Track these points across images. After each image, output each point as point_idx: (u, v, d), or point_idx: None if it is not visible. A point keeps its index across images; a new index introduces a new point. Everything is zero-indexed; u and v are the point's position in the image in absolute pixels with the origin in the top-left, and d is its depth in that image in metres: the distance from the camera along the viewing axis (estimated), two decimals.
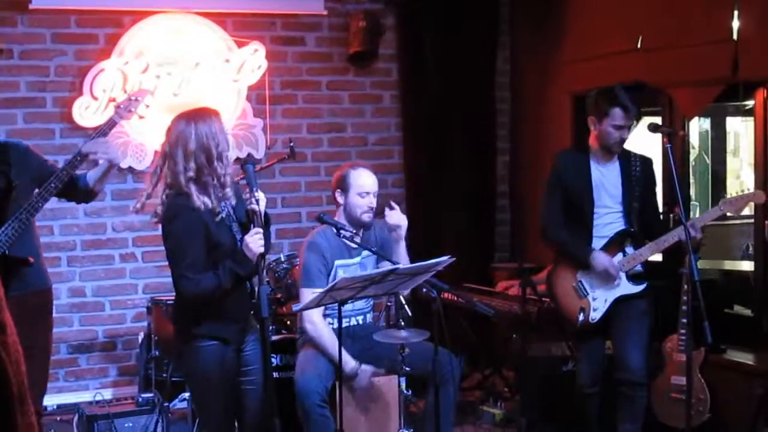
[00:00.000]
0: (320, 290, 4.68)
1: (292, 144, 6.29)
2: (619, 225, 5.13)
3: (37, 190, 4.51)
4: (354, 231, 4.90)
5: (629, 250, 5.09)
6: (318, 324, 4.85)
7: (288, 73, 7.34)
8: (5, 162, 4.54)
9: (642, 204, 5.14)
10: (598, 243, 5.13)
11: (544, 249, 6.74)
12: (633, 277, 5.12)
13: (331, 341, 4.78)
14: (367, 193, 4.99)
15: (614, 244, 5.12)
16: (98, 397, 5.91)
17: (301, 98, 7.41)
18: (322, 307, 4.75)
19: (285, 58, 7.33)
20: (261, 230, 3.96)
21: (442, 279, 4.66)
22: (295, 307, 4.04)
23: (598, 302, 5.12)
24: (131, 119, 4.78)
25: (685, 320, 5.15)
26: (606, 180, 5.12)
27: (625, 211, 5.11)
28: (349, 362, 4.75)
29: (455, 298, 5.83)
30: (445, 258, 4.28)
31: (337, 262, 4.98)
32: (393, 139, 7.69)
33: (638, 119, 5.12)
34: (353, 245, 4.96)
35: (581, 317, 5.08)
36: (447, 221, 7.67)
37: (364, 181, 5.00)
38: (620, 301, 5.13)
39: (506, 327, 6.46)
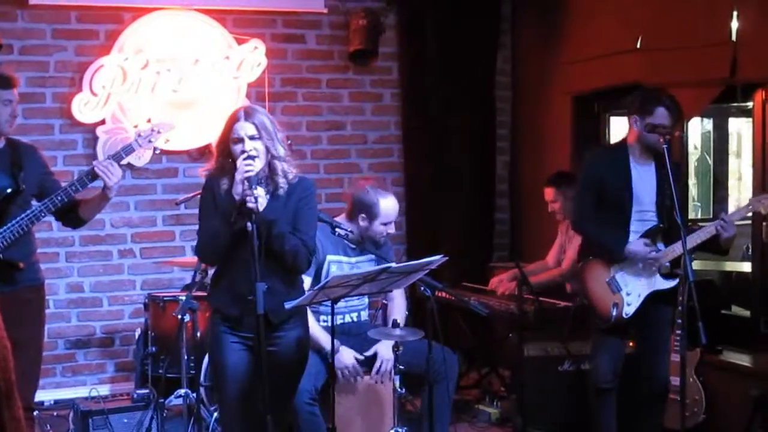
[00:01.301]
0: (305, 277, 4.70)
1: (289, 142, 6.27)
2: (653, 222, 5.10)
3: (36, 203, 4.52)
4: (349, 230, 4.90)
5: (659, 246, 5.07)
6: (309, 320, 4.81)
7: (288, 71, 7.34)
8: (18, 165, 4.56)
9: (671, 201, 5.07)
10: (634, 239, 5.08)
11: (542, 248, 6.77)
12: (665, 273, 5.10)
13: (322, 335, 4.80)
14: (392, 222, 5.06)
15: (647, 239, 5.10)
16: (94, 393, 5.92)
17: (301, 96, 7.41)
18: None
19: (285, 56, 7.33)
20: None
21: (442, 278, 4.66)
22: (288, 305, 4.02)
23: (632, 297, 5.06)
24: (149, 148, 4.77)
25: (680, 321, 5.14)
26: (643, 179, 5.07)
27: (658, 210, 5.10)
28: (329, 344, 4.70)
29: (451, 297, 5.82)
30: (437, 257, 4.27)
31: (330, 258, 4.98)
32: (393, 137, 7.69)
33: (681, 123, 5.05)
34: (353, 246, 4.98)
35: (614, 312, 5.03)
36: (446, 220, 7.66)
37: (391, 212, 5.04)
38: (649, 306, 5.07)
39: (503, 326, 6.45)
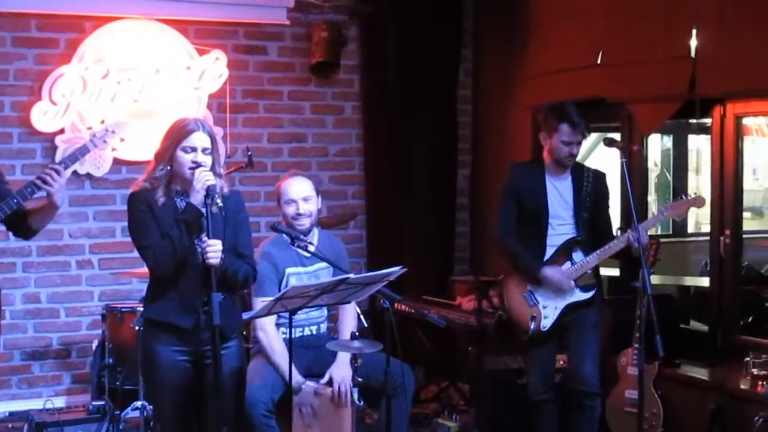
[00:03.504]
0: (269, 298, 4.68)
1: (250, 153, 6.28)
2: (571, 235, 5.19)
3: None
4: (308, 240, 4.89)
5: (577, 256, 5.17)
6: (270, 333, 4.84)
7: (249, 82, 7.32)
8: None
9: (593, 216, 5.22)
10: (551, 252, 5.19)
11: (502, 262, 6.78)
12: (582, 285, 5.17)
13: (281, 351, 4.78)
14: (293, 200, 4.98)
15: (562, 253, 5.20)
16: (49, 405, 5.84)
17: (263, 107, 7.39)
18: (275, 316, 4.74)
19: (247, 67, 7.31)
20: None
21: (402, 291, 4.65)
22: (245, 315, 4.00)
23: (549, 310, 5.18)
24: (104, 149, 4.69)
25: (638, 334, 5.18)
26: (559, 192, 5.20)
27: (576, 221, 5.17)
28: (295, 376, 4.69)
29: (410, 309, 5.82)
30: (396, 268, 4.26)
31: (288, 270, 4.96)
32: (354, 150, 7.68)
33: (586, 135, 5.18)
34: (306, 255, 4.95)
35: (533, 325, 5.14)
36: (407, 233, 7.66)
37: (289, 189, 5.01)
38: (571, 311, 5.19)
39: (462, 339, 6.45)
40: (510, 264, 5.34)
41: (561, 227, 5.20)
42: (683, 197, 5.19)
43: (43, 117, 6.66)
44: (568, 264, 5.17)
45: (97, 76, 6.74)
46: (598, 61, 6.26)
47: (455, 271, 7.84)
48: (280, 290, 4.75)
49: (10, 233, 4.63)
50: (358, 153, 7.69)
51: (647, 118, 6.06)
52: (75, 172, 6.74)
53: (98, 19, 6.83)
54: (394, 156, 7.65)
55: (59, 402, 6.33)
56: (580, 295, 5.18)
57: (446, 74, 7.84)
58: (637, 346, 5.24)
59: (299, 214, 4.95)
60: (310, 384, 4.83)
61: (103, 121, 4.69)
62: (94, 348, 6.31)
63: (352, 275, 4.28)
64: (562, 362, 5.54)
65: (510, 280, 5.30)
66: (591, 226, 5.22)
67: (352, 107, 7.67)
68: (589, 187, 5.20)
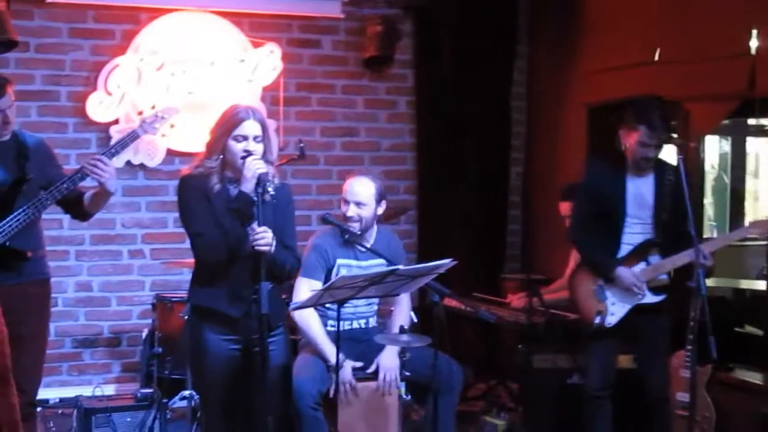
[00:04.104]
0: (315, 281, 4.66)
1: (302, 145, 6.27)
2: (647, 235, 5.10)
3: (44, 193, 4.48)
4: (356, 232, 4.86)
5: (653, 259, 5.07)
6: (303, 311, 4.75)
7: (303, 76, 7.33)
8: (25, 156, 4.54)
9: (674, 215, 5.06)
10: (625, 251, 5.12)
11: (554, 260, 6.72)
12: (654, 288, 5.09)
13: (317, 328, 4.78)
14: (347, 201, 4.94)
15: (637, 254, 5.10)
16: (98, 392, 5.88)
17: (315, 101, 7.39)
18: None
19: (300, 61, 7.32)
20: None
21: (451, 288, 4.60)
22: (293, 305, 3.99)
23: (616, 308, 5.11)
24: (154, 134, 4.71)
25: (690, 336, 5.09)
26: (639, 191, 5.08)
27: (654, 222, 5.08)
28: (333, 356, 4.66)
29: (460, 305, 5.78)
30: (446, 261, 4.22)
31: (340, 261, 4.93)
32: (406, 145, 7.66)
33: (665, 140, 5.04)
34: (362, 249, 4.93)
35: (597, 320, 5.08)
36: (458, 230, 7.62)
37: (350, 189, 4.95)
38: (642, 317, 5.10)
39: (511, 337, 6.39)
40: (583, 260, 5.30)
41: (637, 226, 5.09)
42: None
43: (98, 107, 6.72)
44: (642, 265, 5.09)
45: (152, 67, 6.78)
46: (655, 59, 6.17)
47: (506, 269, 7.78)
48: (327, 279, 4.75)
49: (67, 216, 4.71)
50: (410, 148, 7.67)
51: (705, 117, 5.97)
52: (128, 162, 6.81)
53: (154, 11, 6.88)
54: (447, 152, 7.61)
55: (108, 390, 6.37)
56: (650, 298, 5.09)
57: (500, 71, 7.79)
58: (689, 348, 5.14)
59: (347, 217, 4.92)
60: (350, 362, 4.79)
61: (153, 107, 4.68)
62: (143, 337, 6.34)
63: (401, 266, 4.24)
64: (626, 363, 5.47)
65: (582, 273, 5.25)
66: (671, 228, 5.08)
67: (406, 102, 7.65)
68: (671, 185, 5.06)
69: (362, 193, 4.91)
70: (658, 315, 5.14)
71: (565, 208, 6.27)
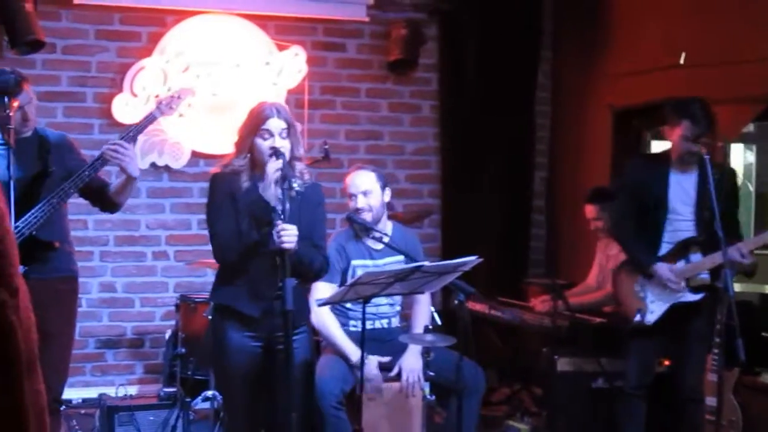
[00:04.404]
0: (331, 284, 4.65)
1: (326, 147, 6.26)
2: (689, 233, 5.08)
3: (66, 182, 4.49)
4: (384, 232, 4.86)
5: (694, 257, 5.05)
6: (318, 310, 4.70)
7: (327, 79, 7.34)
8: (46, 149, 4.55)
9: (719, 213, 4.98)
10: (666, 249, 5.11)
11: (578, 265, 6.68)
12: (693, 286, 5.06)
13: (337, 331, 4.79)
14: (353, 195, 4.94)
15: (678, 251, 5.09)
16: (122, 391, 5.89)
17: (340, 104, 7.40)
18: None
19: (325, 64, 7.33)
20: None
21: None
22: (318, 302, 3.97)
23: (656, 305, 5.12)
24: (171, 116, 4.71)
25: (718, 339, 5.04)
26: (683, 188, 5.07)
27: (696, 219, 5.06)
28: (354, 353, 4.67)
29: (484, 307, 5.76)
30: (472, 258, 4.20)
31: (355, 262, 4.92)
32: (430, 149, 7.65)
33: (708, 134, 4.98)
34: (377, 248, 4.92)
35: (638, 317, 5.12)
36: (481, 234, 7.58)
37: (352, 183, 4.97)
38: (679, 312, 5.08)
39: (535, 341, 6.36)
40: (623, 252, 5.36)
41: (679, 223, 5.08)
42: None
43: (124, 108, 6.75)
44: (682, 263, 5.06)
45: (177, 69, 6.81)
46: (681, 62, 6.14)
47: (529, 273, 7.75)
48: (343, 282, 4.72)
49: (92, 217, 4.69)
50: (434, 152, 7.66)
51: (730, 121, 5.92)
52: (153, 164, 6.84)
53: (179, 14, 6.91)
54: (471, 156, 7.60)
55: (131, 390, 6.38)
56: (690, 296, 5.08)
57: (525, 74, 7.77)
58: (716, 351, 5.10)
59: (358, 209, 4.90)
60: (373, 358, 4.77)
61: (169, 89, 4.67)
62: (167, 338, 6.35)
63: (426, 263, 4.23)
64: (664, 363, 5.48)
65: (625, 270, 5.28)
66: (714, 223, 4.98)
67: (430, 106, 7.64)
68: (715, 184, 4.98)
69: (365, 182, 4.94)
70: (698, 318, 5.10)
71: (590, 210, 6.25)
